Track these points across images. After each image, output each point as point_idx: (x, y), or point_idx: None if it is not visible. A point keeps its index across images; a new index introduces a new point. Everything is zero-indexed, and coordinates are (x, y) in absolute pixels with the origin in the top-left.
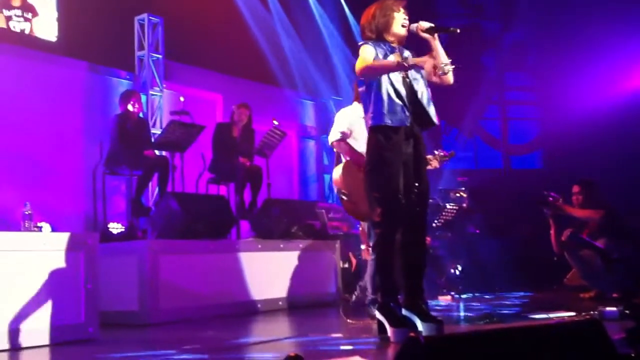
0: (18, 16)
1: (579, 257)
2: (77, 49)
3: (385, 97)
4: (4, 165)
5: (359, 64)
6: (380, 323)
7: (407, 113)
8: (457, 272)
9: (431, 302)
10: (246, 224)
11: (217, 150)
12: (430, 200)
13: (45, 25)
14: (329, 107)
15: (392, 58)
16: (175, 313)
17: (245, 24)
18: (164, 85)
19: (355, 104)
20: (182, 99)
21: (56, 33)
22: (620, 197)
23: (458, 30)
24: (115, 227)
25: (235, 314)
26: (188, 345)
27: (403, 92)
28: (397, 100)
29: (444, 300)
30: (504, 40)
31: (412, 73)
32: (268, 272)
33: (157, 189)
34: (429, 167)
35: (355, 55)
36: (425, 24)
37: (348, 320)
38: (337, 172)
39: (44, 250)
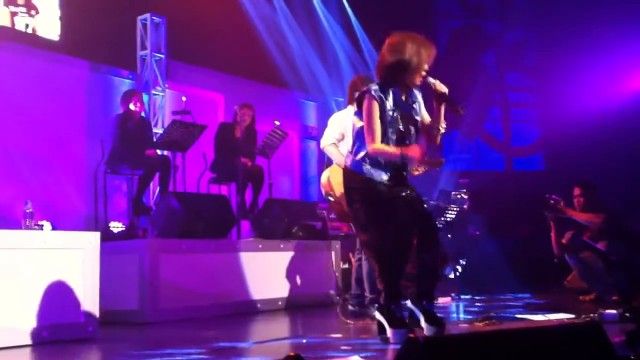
0: (23, 12)
1: (580, 259)
2: (79, 48)
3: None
4: (5, 164)
5: (367, 134)
6: (380, 324)
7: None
8: (458, 273)
9: None
10: (247, 224)
11: (219, 150)
12: (431, 202)
13: (48, 24)
14: (330, 108)
15: (398, 151)
16: (175, 312)
17: (248, 24)
18: (166, 85)
19: (350, 107)
20: (184, 98)
21: (59, 32)
22: (621, 198)
23: (462, 112)
24: (116, 226)
25: (235, 314)
26: (188, 344)
27: (394, 138)
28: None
29: (444, 301)
30: (504, 40)
31: (412, 111)
32: (268, 272)
33: (158, 189)
34: (415, 173)
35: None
36: (441, 88)
37: (347, 321)
38: (325, 175)
39: (44, 248)
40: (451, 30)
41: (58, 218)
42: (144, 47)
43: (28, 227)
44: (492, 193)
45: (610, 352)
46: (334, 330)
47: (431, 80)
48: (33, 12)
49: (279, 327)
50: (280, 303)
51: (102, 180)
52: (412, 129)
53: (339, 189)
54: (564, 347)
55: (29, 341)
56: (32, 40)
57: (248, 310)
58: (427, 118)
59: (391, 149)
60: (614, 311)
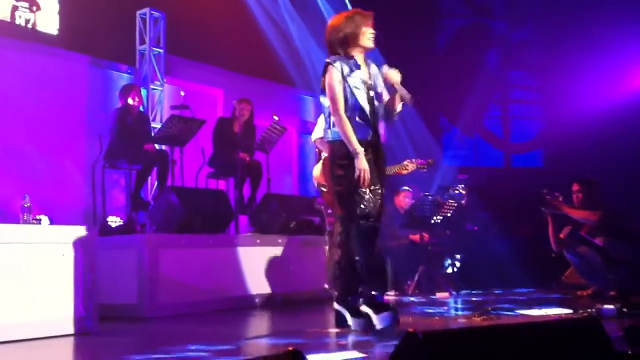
0: (24, 8)
1: (578, 254)
2: (78, 43)
3: (352, 114)
4: (4, 158)
5: (332, 103)
6: (339, 314)
7: (370, 128)
8: (455, 269)
9: (429, 298)
10: (245, 219)
11: (217, 144)
12: (429, 197)
13: (47, 19)
14: None
15: (355, 146)
16: (174, 307)
17: (247, 19)
18: (165, 80)
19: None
20: (182, 93)
21: (57, 26)
22: (620, 196)
23: (413, 102)
24: (114, 221)
25: (233, 308)
26: (186, 339)
27: (367, 108)
28: (362, 117)
29: (442, 296)
30: (509, 39)
31: (374, 87)
32: (266, 267)
33: (156, 183)
34: (404, 172)
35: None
36: (392, 78)
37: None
38: (317, 168)
39: (42, 243)
40: (456, 28)
41: (56, 212)
42: (142, 42)
43: (26, 222)
44: (491, 189)
45: (608, 348)
46: (332, 325)
47: (385, 68)
48: (34, 7)
49: (277, 322)
50: (278, 298)
51: (100, 174)
52: (374, 99)
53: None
54: (562, 342)
55: (27, 335)
56: (31, 34)
57: (246, 305)
58: (385, 93)
59: (352, 137)
60: (611, 306)
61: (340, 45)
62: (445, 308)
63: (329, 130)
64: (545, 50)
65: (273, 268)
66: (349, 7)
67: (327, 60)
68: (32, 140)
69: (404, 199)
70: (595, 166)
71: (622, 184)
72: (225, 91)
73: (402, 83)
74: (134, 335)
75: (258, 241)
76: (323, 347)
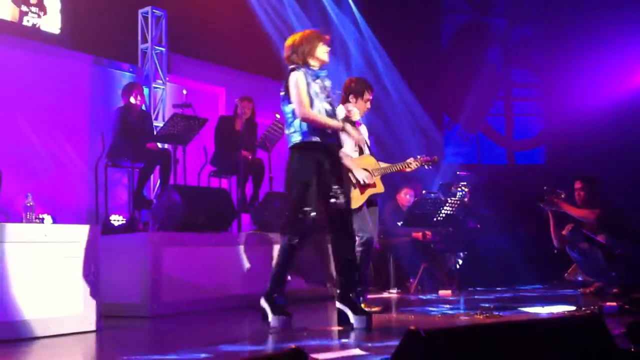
0: (34, 13)
1: (580, 251)
2: (80, 42)
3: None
4: (7, 157)
5: (299, 103)
6: (341, 313)
7: (330, 131)
8: (458, 267)
9: (432, 296)
10: (247, 217)
11: (219, 143)
12: (432, 195)
13: (49, 18)
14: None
15: (336, 123)
16: (177, 305)
17: (249, 17)
18: (167, 78)
19: (341, 106)
20: (184, 91)
21: (60, 25)
22: (622, 193)
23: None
24: (117, 220)
25: (235, 307)
26: (189, 337)
27: (327, 114)
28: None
29: (444, 294)
30: (510, 36)
31: (331, 98)
32: (268, 265)
33: (159, 182)
34: (407, 169)
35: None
36: (355, 116)
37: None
38: None
39: (45, 242)
40: (457, 25)
41: (59, 211)
42: (145, 41)
43: (29, 221)
44: (493, 186)
45: (611, 345)
46: (334, 323)
47: (349, 106)
48: (42, 13)
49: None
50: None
51: (102, 173)
52: (332, 108)
53: None
54: (565, 340)
55: (30, 334)
56: (34, 33)
57: (248, 304)
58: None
59: (329, 120)
60: (614, 304)
61: (300, 60)
62: (448, 306)
63: (293, 134)
64: (548, 48)
65: None
66: (353, 6)
67: (291, 67)
68: (34, 139)
69: (405, 197)
70: (597, 163)
71: (624, 181)
72: (227, 89)
73: (402, 83)
74: (136, 334)
75: (260, 239)
76: (325, 346)
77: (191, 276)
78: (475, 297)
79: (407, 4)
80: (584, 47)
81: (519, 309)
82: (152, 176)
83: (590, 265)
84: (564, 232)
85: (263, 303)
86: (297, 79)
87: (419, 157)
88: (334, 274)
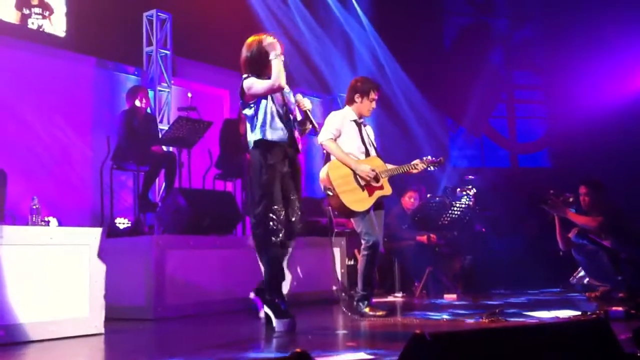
0: (37, 14)
1: (586, 255)
2: (85, 45)
3: (269, 116)
4: (13, 160)
5: (254, 91)
6: (267, 315)
7: (286, 132)
8: (463, 270)
9: (437, 300)
10: None
11: (224, 146)
12: (437, 198)
13: (55, 21)
14: (336, 104)
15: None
16: (181, 308)
17: (254, 20)
18: (172, 81)
19: (347, 107)
20: (189, 95)
21: (65, 28)
22: (626, 196)
23: (311, 129)
24: (122, 222)
25: (240, 310)
26: (193, 340)
27: (283, 115)
28: (278, 120)
29: (450, 298)
30: (512, 38)
31: (288, 98)
32: None
33: (164, 185)
34: (413, 171)
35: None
36: (306, 105)
37: (353, 317)
38: (324, 171)
39: (50, 244)
40: (460, 27)
41: (64, 214)
42: (149, 44)
43: (34, 223)
44: (498, 190)
45: (617, 350)
46: (339, 326)
47: (299, 97)
48: (47, 12)
49: None
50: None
51: (108, 176)
52: (288, 111)
53: (337, 183)
54: (571, 344)
55: (35, 337)
56: (38, 37)
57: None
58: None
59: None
60: (620, 308)
61: (256, 63)
62: (453, 310)
63: (254, 133)
64: (550, 50)
65: None
66: (357, 8)
67: (245, 75)
68: (39, 142)
69: (409, 200)
70: (601, 166)
71: (627, 183)
72: (232, 92)
73: (404, 83)
74: (140, 336)
75: None
76: (330, 349)
77: (196, 279)
78: (481, 301)
79: (410, 5)
80: (585, 48)
81: (524, 313)
82: (157, 179)
83: (596, 269)
84: (570, 235)
85: (267, 309)
86: (251, 81)
87: (425, 158)
88: (344, 277)
